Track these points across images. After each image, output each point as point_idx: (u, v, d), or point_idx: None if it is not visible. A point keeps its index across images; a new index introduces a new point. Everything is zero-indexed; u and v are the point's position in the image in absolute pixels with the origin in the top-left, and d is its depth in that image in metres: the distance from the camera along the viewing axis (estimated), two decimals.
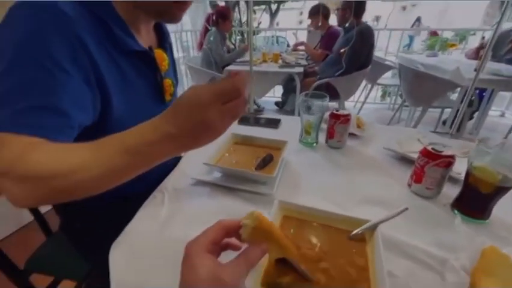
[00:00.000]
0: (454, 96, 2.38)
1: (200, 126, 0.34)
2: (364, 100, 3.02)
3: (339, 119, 0.70)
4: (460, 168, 0.60)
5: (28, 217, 1.00)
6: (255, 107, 2.90)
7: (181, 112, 0.34)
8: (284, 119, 0.96)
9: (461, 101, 2.04)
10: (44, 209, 0.88)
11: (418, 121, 2.10)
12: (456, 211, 0.50)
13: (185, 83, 3.51)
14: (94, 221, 0.59)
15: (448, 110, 2.27)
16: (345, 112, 0.71)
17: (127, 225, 0.46)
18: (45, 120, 0.36)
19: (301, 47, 2.94)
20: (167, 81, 0.59)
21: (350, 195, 0.55)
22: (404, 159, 0.69)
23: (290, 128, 0.82)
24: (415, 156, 0.55)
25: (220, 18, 2.55)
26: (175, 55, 0.76)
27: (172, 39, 0.69)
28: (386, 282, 0.31)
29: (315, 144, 0.77)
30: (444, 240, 0.44)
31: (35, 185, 0.33)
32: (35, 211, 0.82)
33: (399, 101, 3.00)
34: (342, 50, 2.07)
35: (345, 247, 0.39)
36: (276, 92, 3.37)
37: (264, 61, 2.50)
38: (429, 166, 0.51)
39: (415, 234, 0.45)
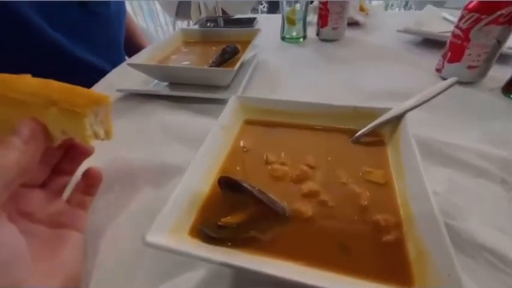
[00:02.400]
0: None
1: None
2: None
3: None
4: None
5: None
6: None
7: None
8: (262, 17, 0.72)
9: None
10: None
11: None
12: None
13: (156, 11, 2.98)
14: None
15: None
16: None
17: None
18: None
19: None
20: None
21: (355, 92, 0.37)
22: (427, 43, 0.49)
23: (269, 27, 0.59)
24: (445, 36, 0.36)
25: None
26: None
27: None
28: (432, 200, 0.16)
29: (302, 40, 0.56)
30: (502, 133, 0.28)
31: None
32: None
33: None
34: None
35: (347, 156, 0.23)
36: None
37: None
38: (479, 27, 0.32)
39: (456, 131, 0.29)
